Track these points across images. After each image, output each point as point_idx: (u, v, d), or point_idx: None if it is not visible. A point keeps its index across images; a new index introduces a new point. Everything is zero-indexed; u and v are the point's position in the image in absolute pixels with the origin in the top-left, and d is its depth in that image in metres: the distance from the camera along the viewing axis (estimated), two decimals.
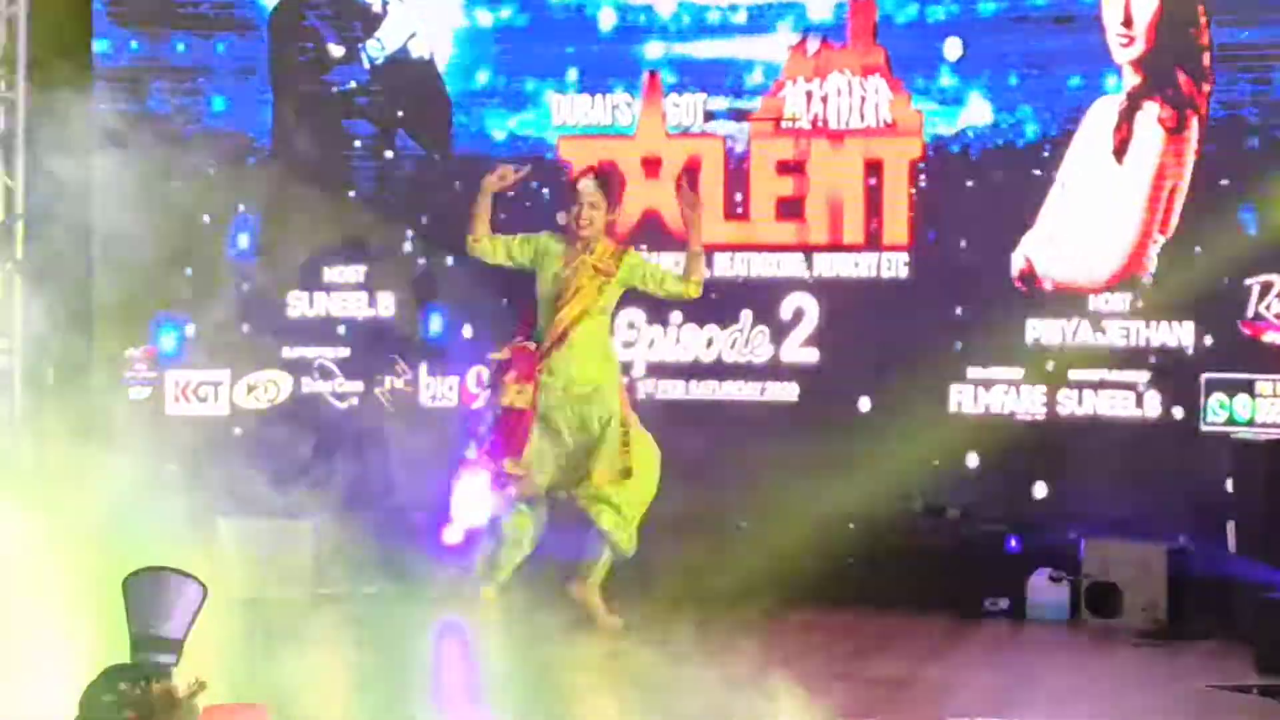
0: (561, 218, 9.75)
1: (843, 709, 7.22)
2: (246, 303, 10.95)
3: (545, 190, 10.56)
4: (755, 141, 10.65)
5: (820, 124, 10.57)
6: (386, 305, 11.08)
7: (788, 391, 10.59)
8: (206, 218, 10.96)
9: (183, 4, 11.22)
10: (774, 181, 10.65)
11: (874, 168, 10.49)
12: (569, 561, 9.18)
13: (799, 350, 10.62)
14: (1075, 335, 10.24)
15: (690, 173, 10.43)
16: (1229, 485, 9.47)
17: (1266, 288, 9.91)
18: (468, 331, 10.86)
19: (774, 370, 10.59)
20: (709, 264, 9.88)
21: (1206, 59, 10.01)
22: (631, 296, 9.47)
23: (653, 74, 10.80)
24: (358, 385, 11.07)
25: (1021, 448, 10.19)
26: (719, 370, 10.69)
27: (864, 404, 10.41)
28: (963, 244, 10.38)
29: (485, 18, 10.98)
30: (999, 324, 10.25)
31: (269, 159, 11.12)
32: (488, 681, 8.52)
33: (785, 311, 10.64)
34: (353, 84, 11.21)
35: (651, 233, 10.48)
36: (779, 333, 10.63)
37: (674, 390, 10.69)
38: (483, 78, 10.98)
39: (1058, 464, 10.18)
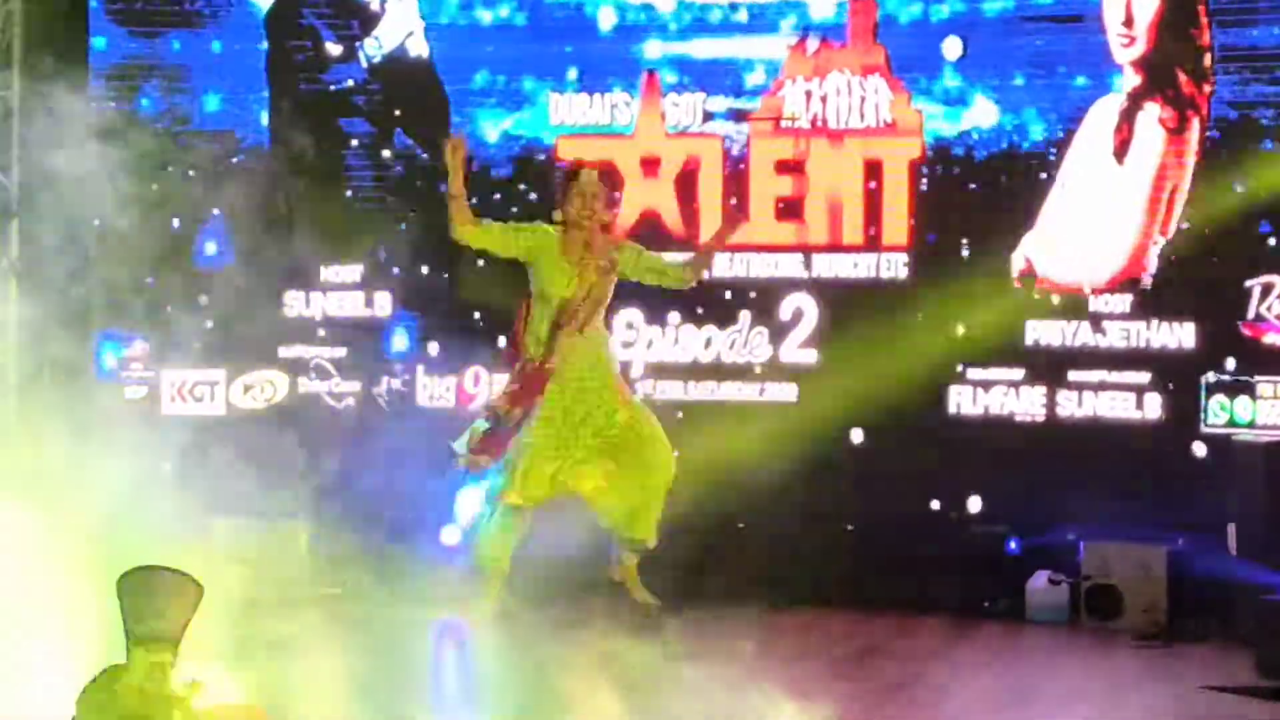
0: (556, 215, 9.67)
1: (843, 710, 7.20)
2: (240, 301, 10.90)
3: (533, 195, 10.56)
4: (755, 141, 10.62)
5: (820, 124, 10.54)
6: (383, 306, 11.05)
7: (787, 392, 10.57)
8: (199, 215, 10.94)
9: (180, 1, 11.19)
10: (773, 181, 10.62)
11: (874, 168, 10.47)
12: (569, 561, 9.13)
13: (798, 351, 10.59)
14: (1075, 336, 10.21)
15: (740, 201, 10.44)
16: (1229, 487, 9.45)
17: (1267, 289, 9.89)
18: (462, 332, 10.83)
19: (774, 370, 10.58)
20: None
21: (1208, 59, 9.98)
22: (632, 297, 9.40)
23: (651, 73, 10.78)
24: (354, 385, 11.04)
25: (1021, 449, 10.16)
26: (718, 370, 10.66)
27: (864, 403, 10.38)
28: (963, 244, 10.35)
29: (485, 16, 10.97)
30: (999, 324, 10.23)
31: (265, 157, 11.08)
32: (485, 682, 8.49)
33: (784, 312, 10.61)
34: (350, 83, 11.18)
35: (651, 233, 10.44)
36: (778, 333, 10.61)
37: (673, 391, 10.66)
38: (480, 77, 10.96)
39: (1058, 465, 10.15)
